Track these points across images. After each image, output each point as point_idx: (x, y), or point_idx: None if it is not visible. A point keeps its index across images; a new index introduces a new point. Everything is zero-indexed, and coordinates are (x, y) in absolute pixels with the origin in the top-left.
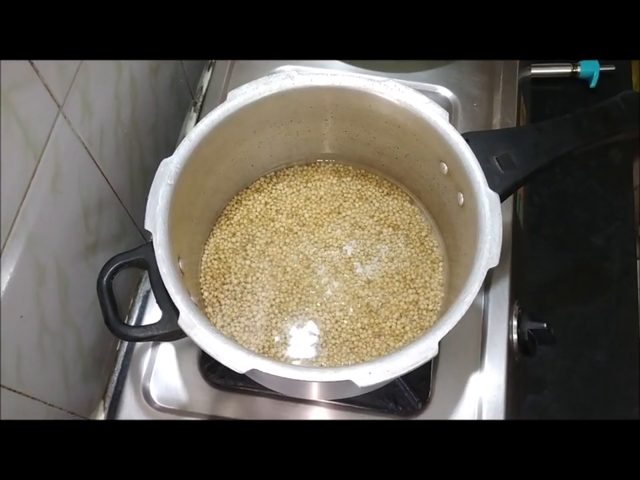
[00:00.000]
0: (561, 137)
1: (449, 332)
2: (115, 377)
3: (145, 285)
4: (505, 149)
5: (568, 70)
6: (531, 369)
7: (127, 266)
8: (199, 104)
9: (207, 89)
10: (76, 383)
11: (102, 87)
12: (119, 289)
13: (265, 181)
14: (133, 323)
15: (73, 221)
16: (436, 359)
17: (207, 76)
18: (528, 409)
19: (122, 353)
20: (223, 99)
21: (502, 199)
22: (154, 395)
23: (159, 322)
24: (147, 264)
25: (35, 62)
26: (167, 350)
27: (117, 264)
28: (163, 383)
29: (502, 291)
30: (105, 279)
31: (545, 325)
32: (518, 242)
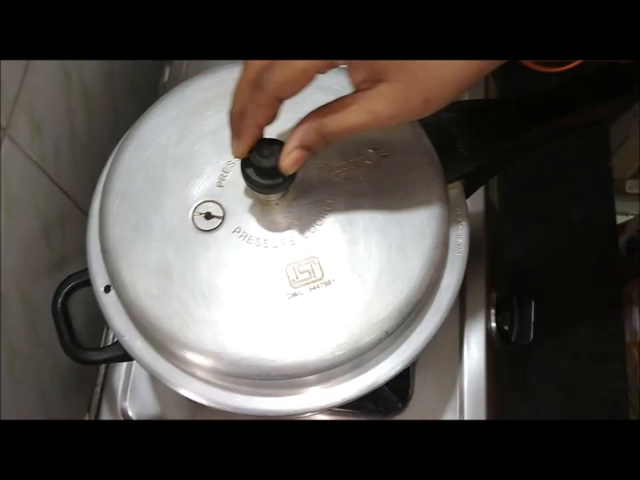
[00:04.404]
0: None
1: None
2: (98, 389)
3: None
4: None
5: None
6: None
7: (81, 285)
8: None
9: (167, 85)
10: (55, 402)
11: (50, 102)
12: (94, 306)
13: None
14: (110, 342)
15: (32, 243)
16: None
17: (167, 70)
18: (512, 389)
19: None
20: None
21: None
22: (132, 412)
23: (116, 343)
24: None
25: None
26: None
27: (70, 285)
28: (140, 400)
29: (478, 279)
30: (59, 303)
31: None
32: (493, 227)
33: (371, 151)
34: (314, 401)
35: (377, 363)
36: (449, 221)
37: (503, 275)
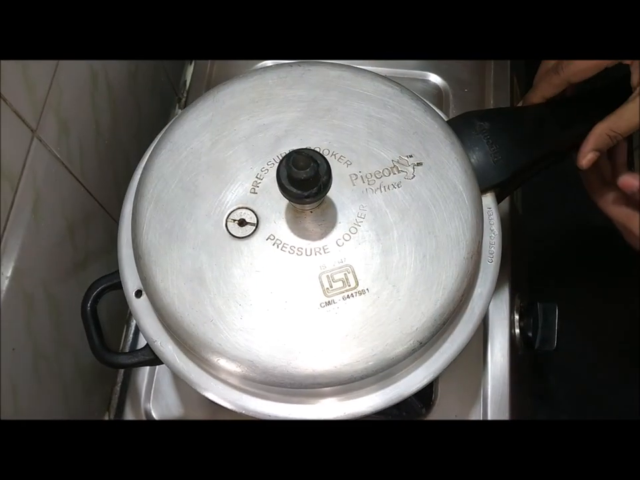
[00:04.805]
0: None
1: None
2: (117, 388)
3: None
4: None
5: None
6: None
7: (111, 289)
8: (184, 100)
9: (190, 83)
10: (77, 401)
11: (77, 102)
12: (114, 307)
13: None
14: (129, 344)
15: (58, 243)
16: None
17: (190, 69)
18: (534, 394)
19: None
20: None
21: None
22: (155, 414)
23: (145, 347)
24: None
25: (1, 89)
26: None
27: (99, 288)
28: (163, 401)
29: (502, 285)
30: (88, 306)
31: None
32: (517, 231)
33: (405, 158)
34: (343, 409)
35: (408, 373)
36: (482, 230)
37: (526, 280)
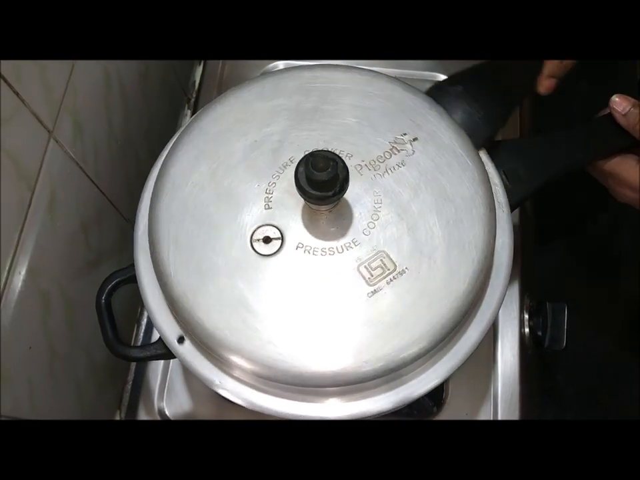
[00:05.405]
0: (573, 151)
1: None
2: (128, 387)
3: None
4: (512, 162)
5: None
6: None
7: (125, 282)
8: (193, 100)
9: (200, 83)
10: (90, 399)
11: (92, 103)
12: (127, 302)
13: None
14: (141, 337)
15: (72, 242)
16: None
17: (199, 70)
18: (539, 393)
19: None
20: (219, 91)
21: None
22: (169, 412)
23: (158, 341)
24: None
25: (21, 92)
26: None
27: (114, 281)
28: (176, 400)
29: (512, 284)
30: (103, 298)
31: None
32: (526, 231)
33: (401, 137)
34: (377, 403)
35: (458, 339)
36: (489, 183)
37: (535, 280)
